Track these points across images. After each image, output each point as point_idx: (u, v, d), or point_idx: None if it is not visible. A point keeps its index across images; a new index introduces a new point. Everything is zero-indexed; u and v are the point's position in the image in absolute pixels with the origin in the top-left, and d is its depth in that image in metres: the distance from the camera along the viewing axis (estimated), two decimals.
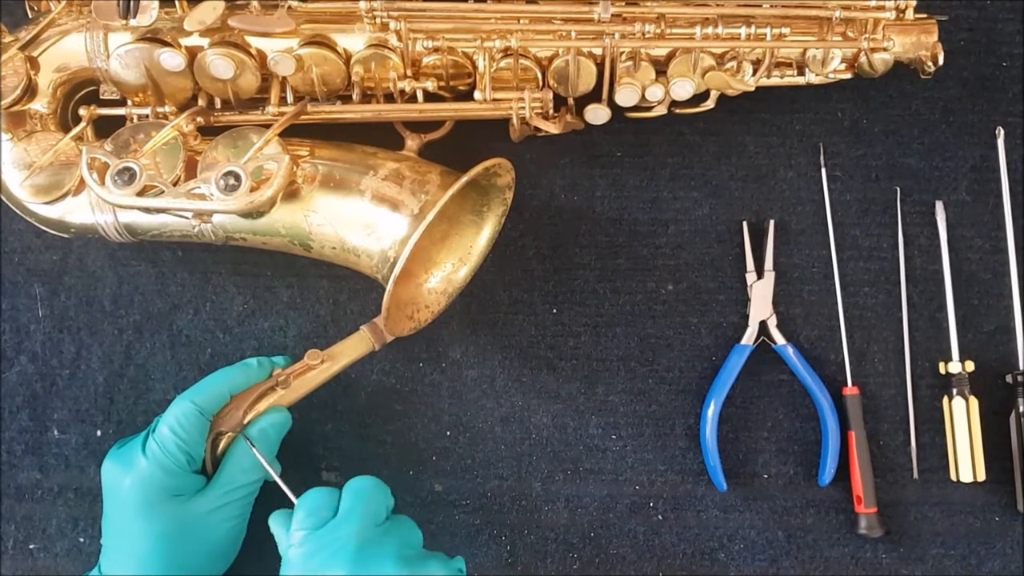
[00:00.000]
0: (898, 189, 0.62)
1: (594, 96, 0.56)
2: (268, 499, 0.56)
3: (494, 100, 0.55)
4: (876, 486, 0.59)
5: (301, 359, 0.55)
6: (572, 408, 0.60)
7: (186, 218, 0.53)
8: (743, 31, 0.54)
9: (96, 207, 0.54)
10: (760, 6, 0.54)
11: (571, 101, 0.57)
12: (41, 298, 0.60)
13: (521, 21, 0.54)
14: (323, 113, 0.55)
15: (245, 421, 0.53)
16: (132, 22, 0.53)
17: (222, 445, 0.53)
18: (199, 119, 0.53)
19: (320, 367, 0.55)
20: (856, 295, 0.61)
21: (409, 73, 0.55)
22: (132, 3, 0.53)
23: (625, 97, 0.56)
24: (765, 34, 0.54)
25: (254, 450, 0.52)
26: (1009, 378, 0.60)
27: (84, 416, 0.60)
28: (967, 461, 0.58)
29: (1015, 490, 0.59)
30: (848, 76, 0.57)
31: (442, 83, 0.55)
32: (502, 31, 0.54)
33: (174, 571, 0.51)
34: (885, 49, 0.55)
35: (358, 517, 0.49)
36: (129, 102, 0.55)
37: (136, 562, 0.51)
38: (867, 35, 0.55)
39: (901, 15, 0.55)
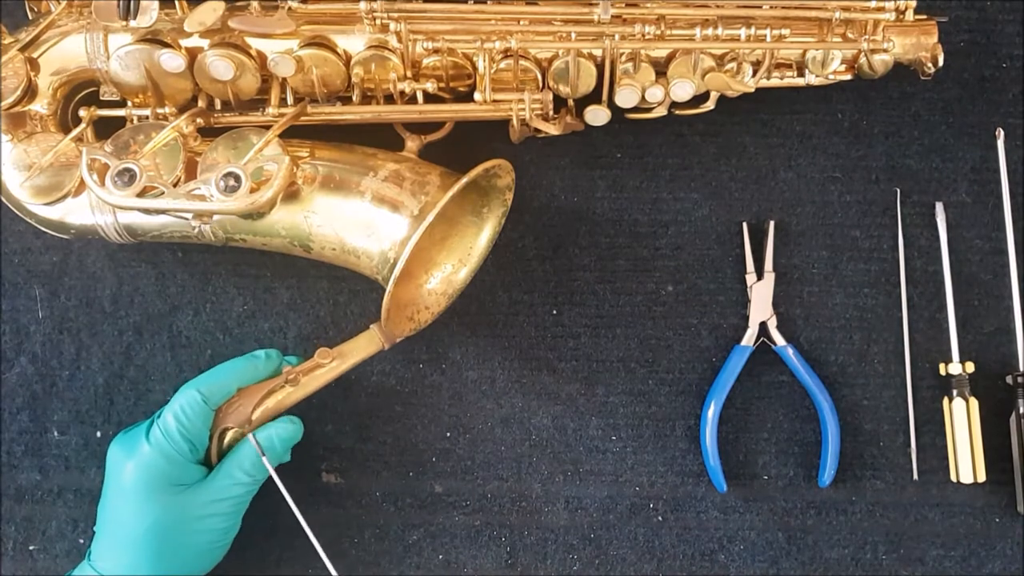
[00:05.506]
0: (898, 190, 0.62)
1: (594, 97, 0.56)
2: (266, 500, 0.56)
3: (494, 101, 0.55)
4: (876, 487, 0.59)
5: (311, 357, 0.55)
6: (572, 409, 0.60)
7: (186, 219, 0.53)
8: (743, 32, 0.54)
9: (96, 208, 0.54)
10: (760, 7, 0.54)
11: (571, 102, 0.57)
12: (41, 299, 0.60)
13: (521, 22, 0.54)
14: (323, 114, 0.55)
15: (253, 418, 0.53)
16: (132, 23, 0.53)
17: (228, 439, 0.53)
18: (199, 120, 0.53)
19: (330, 365, 0.55)
20: (856, 296, 0.61)
21: (409, 74, 0.55)
22: (132, 4, 0.53)
23: (625, 98, 0.56)
24: (765, 35, 0.54)
25: (264, 459, 0.52)
26: (1009, 379, 0.59)
27: (84, 417, 0.60)
28: (967, 462, 0.58)
29: (1015, 491, 0.59)
30: (848, 77, 0.57)
31: (442, 84, 0.55)
32: (502, 32, 0.54)
33: (164, 560, 0.51)
34: (885, 50, 0.55)
35: None
36: (129, 103, 0.55)
37: (129, 547, 0.51)
38: (867, 36, 0.55)
39: (901, 16, 0.55)
